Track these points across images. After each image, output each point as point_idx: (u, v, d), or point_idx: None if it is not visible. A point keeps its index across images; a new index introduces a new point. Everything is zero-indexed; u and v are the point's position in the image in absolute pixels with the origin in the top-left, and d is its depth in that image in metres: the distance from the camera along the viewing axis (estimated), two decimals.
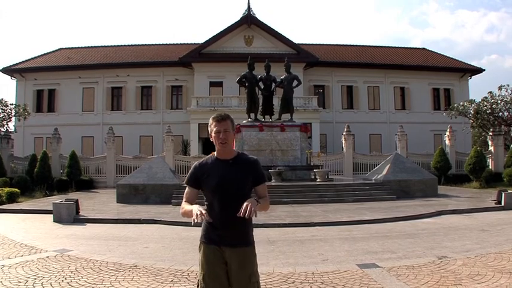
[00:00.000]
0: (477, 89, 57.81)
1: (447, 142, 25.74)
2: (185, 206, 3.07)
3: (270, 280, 5.62)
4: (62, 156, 24.15)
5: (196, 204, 3.02)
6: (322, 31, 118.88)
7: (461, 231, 9.46)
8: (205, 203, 3.10)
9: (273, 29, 33.36)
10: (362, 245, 8.20)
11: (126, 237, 9.43)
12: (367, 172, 22.47)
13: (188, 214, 2.99)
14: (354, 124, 28.49)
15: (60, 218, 11.73)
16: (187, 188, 3.15)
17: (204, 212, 2.83)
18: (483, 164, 21.63)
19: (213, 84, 33.42)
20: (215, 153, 3.17)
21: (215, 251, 3.00)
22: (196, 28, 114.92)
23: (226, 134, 3.06)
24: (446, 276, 5.65)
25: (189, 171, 3.18)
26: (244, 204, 2.84)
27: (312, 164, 20.29)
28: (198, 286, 3.08)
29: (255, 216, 2.91)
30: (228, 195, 2.97)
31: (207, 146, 29.66)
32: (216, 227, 3.01)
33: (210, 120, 3.12)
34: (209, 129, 3.14)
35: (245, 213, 2.79)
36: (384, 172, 17.46)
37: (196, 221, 2.82)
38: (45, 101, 34.15)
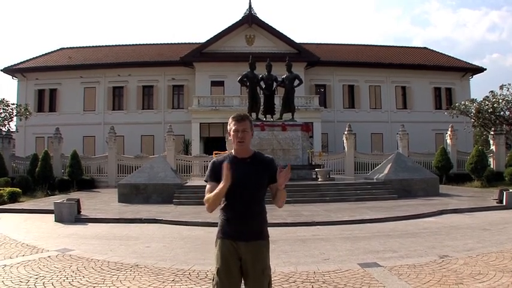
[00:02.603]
0: (479, 88, 57.91)
1: (448, 141, 25.73)
2: (209, 195, 3.11)
3: (272, 279, 5.60)
4: (63, 156, 24.14)
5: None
6: (322, 31, 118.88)
7: (463, 230, 9.46)
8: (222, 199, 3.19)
9: (275, 29, 33.32)
10: (363, 244, 8.19)
11: (127, 237, 9.43)
12: (368, 171, 22.44)
13: (216, 196, 3.04)
14: (355, 123, 28.46)
15: (62, 218, 11.75)
16: (208, 185, 3.22)
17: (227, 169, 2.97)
18: (484, 163, 21.61)
19: (214, 83, 33.41)
20: (232, 151, 3.27)
21: (230, 245, 3.11)
22: (198, 28, 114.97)
23: (244, 134, 3.16)
24: (448, 276, 5.65)
25: (208, 169, 3.27)
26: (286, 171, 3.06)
27: (313, 163, 20.26)
28: (213, 280, 3.17)
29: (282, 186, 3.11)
30: (246, 193, 3.09)
31: (208, 145, 29.69)
32: (233, 223, 3.13)
33: (230, 120, 3.24)
34: (228, 127, 3.26)
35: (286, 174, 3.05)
36: (386, 171, 17.44)
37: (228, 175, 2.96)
38: (46, 101, 34.19)
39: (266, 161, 3.26)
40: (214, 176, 3.17)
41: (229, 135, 3.25)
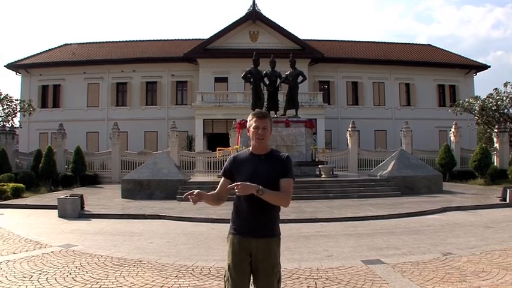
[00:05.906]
0: (483, 85, 57.74)
1: (452, 139, 25.64)
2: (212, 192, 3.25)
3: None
4: (66, 152, 24.19)
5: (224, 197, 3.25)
6: (326, 28, 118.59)
7: (466, 228, 9.43)
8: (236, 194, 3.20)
9: (278, 25, 33.19)
10: (367, 241, 8.19)
11: (130, 233, 9.45)
12: (372, 168, 22.38)
13: (206, 200, 3.17)
14: (359, 120, 28.40)
15: (65, 213, 11.79)
16: (221, 179, 3.28)
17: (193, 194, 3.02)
18: (488, 160, 21.53)
19: (218, 80, 33.39)
20: (250, 147, 3.30)
21: (241, 241, 3.13)
22: (201, 24, 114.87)
23: (265, 131, 3.19)
24: (451, 273, 5.64)
25: (225, 164, 3.33)
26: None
27: (317, 160, 20.22)
28: (224, 276, 3.21)
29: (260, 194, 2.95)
30: None
31: (211, 141, 29.67)
32: (244, 219, 3.15)
33: (250, 116, 3.27)
34: (248, 124, 3.30)
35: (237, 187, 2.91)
36: (389, 168, 17.41)
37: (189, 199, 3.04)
38: (50, 97, 34.24)
39: (280, 158, 3.22)
40: (228, 173, 3.23)
41: (248, 132, 3.27)
